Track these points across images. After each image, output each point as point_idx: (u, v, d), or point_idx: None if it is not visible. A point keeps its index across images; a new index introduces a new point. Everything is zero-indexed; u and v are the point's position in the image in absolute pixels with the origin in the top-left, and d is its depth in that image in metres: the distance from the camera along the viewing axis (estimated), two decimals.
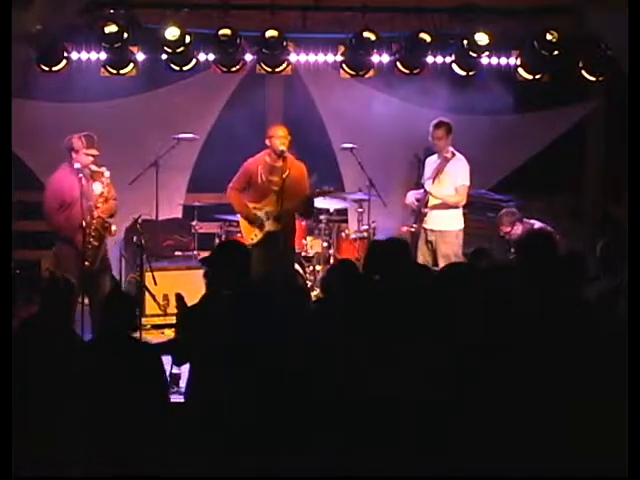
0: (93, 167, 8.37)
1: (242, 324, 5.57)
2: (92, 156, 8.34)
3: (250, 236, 9.03)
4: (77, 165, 8.23)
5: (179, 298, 5.94)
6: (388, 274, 5.98)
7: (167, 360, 6.86)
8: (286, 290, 6.09)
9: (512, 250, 8.93)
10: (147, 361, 5.65)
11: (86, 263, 8.27)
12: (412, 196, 9.38)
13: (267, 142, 9.00)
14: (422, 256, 9.14)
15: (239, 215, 9.23)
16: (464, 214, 9.37)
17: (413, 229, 9.30)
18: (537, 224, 9.26)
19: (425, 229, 9.26)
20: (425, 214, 9.22)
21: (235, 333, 5.55)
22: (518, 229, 9.20)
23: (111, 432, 5.41)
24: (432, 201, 9.23)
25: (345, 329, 5.50)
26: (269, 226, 9.00)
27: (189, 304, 6.05)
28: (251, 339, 5.51)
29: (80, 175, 8.30)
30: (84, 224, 8.12)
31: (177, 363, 6.34)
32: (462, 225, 9.29)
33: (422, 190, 9.35)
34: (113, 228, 8.47)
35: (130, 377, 5.50)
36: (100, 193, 8.38)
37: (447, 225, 9.22)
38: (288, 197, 8.92)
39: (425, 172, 9.44)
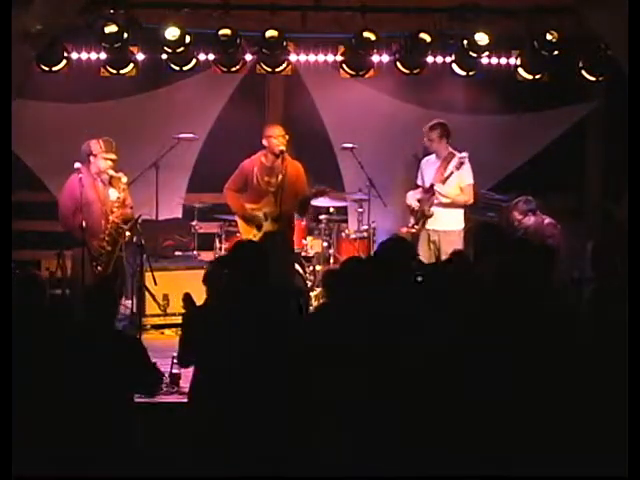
0: (111, 172, 8.38)
1: (248, 325, 5.55)
2: (111, 160, 8.35)
3: (249, 236, 8.99)
4: (77, 165, 8.23)
5: (187, 298, 5.88)
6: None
7: (167, 361, 6.87)
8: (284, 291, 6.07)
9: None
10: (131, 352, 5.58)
11: (99, 268, 8.28)
12: (413, 197, 9.35)
13: (264, 142, 8.98)
14: (423, 257, 9.11)
15: (236, 215, 9.23)
16: (464, 214, 9.35)
17: (414, 230, 9.28)
18: (547, 220, 9.21)
19: (427, 230, 9.25)
20: (430, 215, 9.19)
21: (241, 334, 5.53)
22: (530, 220, 9.15)
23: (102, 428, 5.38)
24: (438, 201, 9.21)
25: (346, 330, 5.50)
26: (267, 226, 8.98)
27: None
28: (257, 340, 5.50)
29: (96, 179, 8.32)
30: (84, 224, 8.11)
31: (183, 364, 6.16)
32: (463, 225, 9.28)
33: (420, 190, 9.32)
34: (127, 234, 8.48)
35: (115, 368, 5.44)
36: (116, 198, 8.39)
37: (450, 225, 9.21)
38: (286, 198, 8.88)
39: (424, 173, 9.36)
